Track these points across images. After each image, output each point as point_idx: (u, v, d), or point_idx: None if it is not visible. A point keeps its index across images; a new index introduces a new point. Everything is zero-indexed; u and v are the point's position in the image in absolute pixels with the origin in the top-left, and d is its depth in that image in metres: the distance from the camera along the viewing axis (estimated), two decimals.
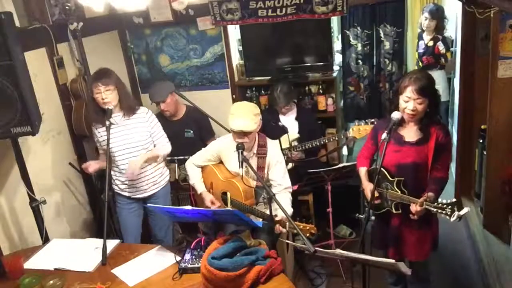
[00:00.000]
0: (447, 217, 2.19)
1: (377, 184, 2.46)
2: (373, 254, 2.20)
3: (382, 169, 2.45)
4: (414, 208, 2.31)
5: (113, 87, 2.86)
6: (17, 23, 2.90)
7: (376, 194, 2.47)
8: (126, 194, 3.07)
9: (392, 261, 1.96)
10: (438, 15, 4.41)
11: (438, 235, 2.59)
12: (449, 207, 2.18)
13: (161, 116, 3.72)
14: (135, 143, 2.96)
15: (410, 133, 2.44)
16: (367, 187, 2.54)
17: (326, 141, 3.40)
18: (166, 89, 3.60)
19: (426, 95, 2.32)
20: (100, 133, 2.96)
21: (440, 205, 2.21)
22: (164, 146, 3.11)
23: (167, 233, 3.30)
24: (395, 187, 2.42)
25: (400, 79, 2.47)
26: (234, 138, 2.67)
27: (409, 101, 2.33)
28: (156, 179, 3.11)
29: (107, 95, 2.82)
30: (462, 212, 2.14)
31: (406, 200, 2.37)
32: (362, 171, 2.63)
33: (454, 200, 2.20)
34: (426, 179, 2.40)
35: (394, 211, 2.46)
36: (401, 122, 2.43)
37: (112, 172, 3.04)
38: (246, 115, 2.61)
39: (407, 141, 2.43)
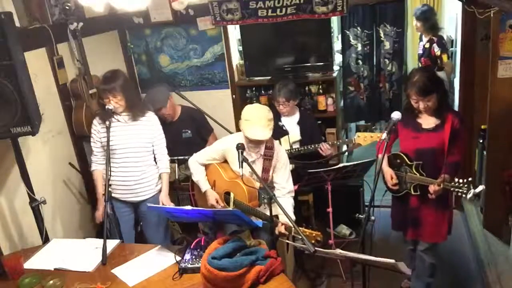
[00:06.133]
0: (463, 195, 2.34)
1: (396, 168, 2.74)
2: (373, 254, 2.20)
3: (401, 154, 2.70)
4: (432, 188, 2.50)
5: (121, 94, 2.87)
6: (17, 23, 2.90)
7: (396, 181, 2.70)
8: (117, 196, 3.03)
9: (392, 261, 1.96)
10: (423, 16, 4.38)
11: (452, 220, 2.76)
12: (465, 185, 2.34)
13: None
14: (138, 145, 2.97)
15: (427, 120, 2.62)
16: (387, 172, 2.75)
17: (322, 147, 3.37)
18: (164, 94, 3.60)
19: (431, 92, 2.49)
20: (103, 128, 2.94)
21: (456, 184, 2.38)
22: (166, 164, 3.14)
23: (165, 236, 3.27)
24: (414, 170, 2.62)
25: (405, 82, 2.69)
26: (247, 143, 2.68)
27: (418, 102, 2.53)
28: (152, 183, 3.09)
29: (116, 102, 2.87)
30: (477, 190, 2.32)
31: (424, 181, 2.55)
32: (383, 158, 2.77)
33: (469, 179, 2.35)
34: (443, 162, 2.56)
35: (413, 193, 2.64)
36: (417, 113, 2.62)
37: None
38: (262, 123, 2.59)
39: (425, 128, 2.61)
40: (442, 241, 2.75)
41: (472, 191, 2.31)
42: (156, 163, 3.12)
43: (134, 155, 2.97)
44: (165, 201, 3.08)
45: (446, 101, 2.64)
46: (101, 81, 2.94)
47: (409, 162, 2.65)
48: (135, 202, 3.10)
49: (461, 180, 2.37)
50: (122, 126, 2.95)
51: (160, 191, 3.12)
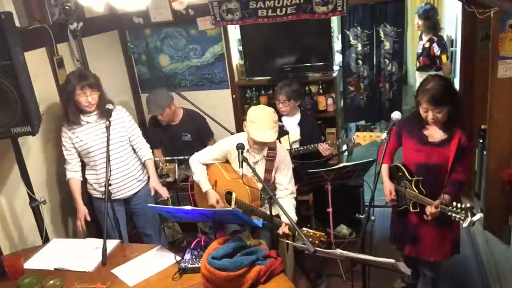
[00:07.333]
0: (461, 221, 2.20)
1: (397, 182, 2.57)
2: (373, 254, 2.20)
3: (402, 167, 2.54)
4: (429, 209, 2.36)
5: (97, 89, 2.84)
6: (17, 23, 2.90)
7: (394, 197, 2.59)
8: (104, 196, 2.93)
9: (392, 261, 1.96)
10: (425, 14, 4.39)
11: (459, 238, 2.61)
12: (463, 212, 2.19)
13: (157, 122, 3.71)
14: (113, 142, 2.87)
15: (434, 134, 2.46)
16: (387, 186, 2.62)
17: (321, 147, 3.38)
18: (164, 101, 3.59)
19: (443, 104, 2.32)
20: (75, 134, 2.87)
21: (454, 208, 2.23)
22: (148, 152, 3.13)
23: (159, 231, 3.32)
24: (413, 187, 2.46)
25: (418, 88, 2.49)
26: (251, 144, 2.68)
27: (427, 111, 2.37)
28: (138, 175, 3.09)
29: (93, 98, 2.80)
30: (475, 218, 2.16)
31: (422, 201, 2.41)
32: (384, 168, 2.65)
33: (468, 205, 2.20)
34: (445, 180, 2.40)
35: (411, 210, 2.50)
36: (424, 124, 2.46)
37: (89, 176, 3.01)
38: (268, 125, 2.58)
39: (430, 142, 2.45)
40: (443, 260, 2.62)
41: (469, 219, 2.15)
42: (136, 154, 3.11)
43: (112, 152, 2.87)
44: (157, 187, 3.08)
45: (458, 115, 2.40)
46: (75, 78, 2.78)
47: (409, 178, 2.51)
48: (125, 198, 3.08)
49: (459, 205, 2.22)
50: (93, 127, 2.89)
51: (147, 181, 3.13)
